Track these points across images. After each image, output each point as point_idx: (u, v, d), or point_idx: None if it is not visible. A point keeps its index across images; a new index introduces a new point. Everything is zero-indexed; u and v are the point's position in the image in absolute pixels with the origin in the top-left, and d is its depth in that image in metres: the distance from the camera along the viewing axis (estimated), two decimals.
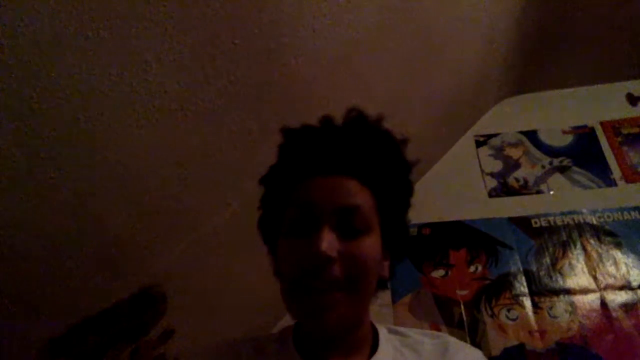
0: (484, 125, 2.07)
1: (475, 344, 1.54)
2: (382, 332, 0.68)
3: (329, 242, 0.56)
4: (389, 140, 0.67)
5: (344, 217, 0.59)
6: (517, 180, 1.89)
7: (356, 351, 0.64)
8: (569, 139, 1.96)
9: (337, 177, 0.62)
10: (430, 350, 0.66)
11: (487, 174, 1.92)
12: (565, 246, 1.70)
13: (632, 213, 1.72)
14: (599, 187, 1.82)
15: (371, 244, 0.60)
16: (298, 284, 0.57)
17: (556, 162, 1.91)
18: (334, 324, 0.56)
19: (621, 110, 1.99)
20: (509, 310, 1.60)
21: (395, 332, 0.69)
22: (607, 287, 1.59)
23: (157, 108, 0.84)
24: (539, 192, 1.85)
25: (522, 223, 1.76)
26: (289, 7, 0.95)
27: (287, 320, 1.72)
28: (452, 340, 0.68)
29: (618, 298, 1.57)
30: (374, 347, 0.65)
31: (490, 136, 2.03)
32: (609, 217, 1.73)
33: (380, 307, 1.61)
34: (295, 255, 0.58)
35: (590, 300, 1.58)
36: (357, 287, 0.58)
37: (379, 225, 0.63)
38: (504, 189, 1.87)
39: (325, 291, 0.56)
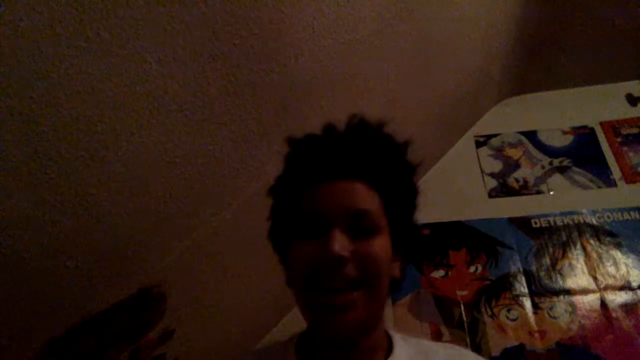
0: (484, 125, 2.07)
1: (475, 344, 1.54)
2: (396, 339, 0.67)
3: (340, 242, 0.57)
4: (392, 142, 0.67)
5: (354, 220, 0.60)
6: (517, 180, 1.89)
7: (369, 357, 0.63)
8: (568, 139, 1.96)
9: (345, 181, 0.62)
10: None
11: (487, 174, 1.92)
12: (565, 246, 1.70)
13: (632, 213, 1.72)
14: (599, 187, 1.82)
15: (381, 244, 0.61)
16: (312, 285, 0.57)
17: (556, 162, 1.91)
18: (351, 325, 0.56)
19: (621, 111, 1.99)
20: (509, 311, 1.60)
21: (409, 341, 0.69)
22: (607, 287, 1.59)
23: (157, 108, 0.84)
24: (538, 192, 1.85)
25: (522, 223, 1.76)
26: (289, 7, 0.95)
27: (287, 320, 1.73)
28: (467, 352, 0.69)
29: (618, 298, 1.57)
30: (388, 354, 0.65)
31: (490, 136, 2.03)
32: (609, 217, 1.73)
33: None
34: (308, 256, 0.58)
35: (590, 301, 1.58)
36: (372, 285, 0.58)
37: (387, 226, 0.63)
38: (503, 189, 1.87)
39: (340, 291, 0.56)
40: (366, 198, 0.62)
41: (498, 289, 1.64)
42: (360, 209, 0.60)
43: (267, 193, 0.70)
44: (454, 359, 0.66)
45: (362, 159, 0.63)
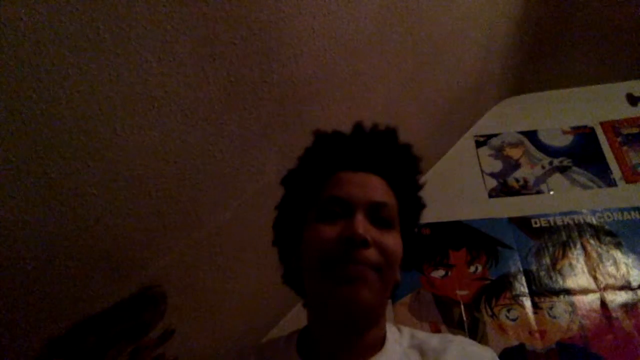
0: (484, 125, 2.07)
1: None
2: (391, 332, 0.68)
3: (364, 226, 0.60)
4: (412, 153, 0.72)
5: (375, 209, 0.63)
6: (517, 180, 1.89)
7: (365, 355, 0.64)
8: (569, 139, 1.96)
9: (369, 174, 0.66)
10: (436, 349, 0.66)
11: (487, 174, 1.92)
12: (565, 246, 1.70)
13: (632, 213, 1.72)
14: (599, 187, 1.82)
15: (397, 239, 0.64)
16: (330, 263, 0.59)
17: (556, 162, 1.91)
18: (361, 300, 0.58)
19: (621, 110, 1.99)
20: (509, 311, 1.60)
21: (404, 333, 0.69)
22: (607, 287, 1.59)
23: (157, 108, 0.84)
24: (539, 192, 1.85)
25: (522, 223, 1.76)
26: (289, 7, 0.95)
27: (287, 321, 1.73)
28: (454, 337, 0.69)
29: (618, 298, 1.57)
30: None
31: (490, 136, 2.03)
32: (609, 217, 1.73)
33: None
34: (330, 236, 0.60)
35: (590, 301, 1.58)
36: (386, 273, 0.61)
37: (399, 226, 0.66)
38: (504, 189, 1.87)
39: (359, 264, 0.58)
40: (386, 192, 0.66)
41: (498, 288, 1.64)
42: (381, 200, 0.64)
43: (280, 183, 0.73)
44: (443, 345, 0.66)
45: (386, 157, 0.68)
